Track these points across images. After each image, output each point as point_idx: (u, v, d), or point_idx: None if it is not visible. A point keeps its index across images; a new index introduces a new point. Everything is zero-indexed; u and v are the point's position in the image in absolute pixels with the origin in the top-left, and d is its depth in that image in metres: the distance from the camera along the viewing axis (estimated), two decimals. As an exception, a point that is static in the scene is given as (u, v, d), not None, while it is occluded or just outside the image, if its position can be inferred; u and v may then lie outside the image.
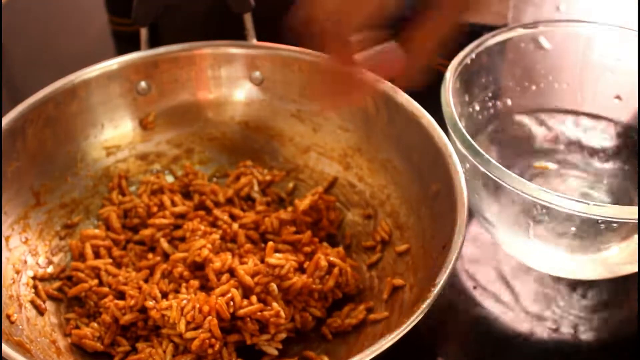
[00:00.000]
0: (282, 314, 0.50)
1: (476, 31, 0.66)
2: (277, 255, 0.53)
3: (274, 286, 0.51)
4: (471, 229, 0.61)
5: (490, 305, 0.57)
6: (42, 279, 0.54)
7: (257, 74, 0.62)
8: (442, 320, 0.56)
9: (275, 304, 0.50)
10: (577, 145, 0.65)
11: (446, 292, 0.56)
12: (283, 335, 0.51)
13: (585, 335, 0.55)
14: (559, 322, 0.55)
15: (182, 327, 0.48)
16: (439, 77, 0.58)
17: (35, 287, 0.53)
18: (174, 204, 0.59)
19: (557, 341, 0.54)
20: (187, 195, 0.60)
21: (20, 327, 0.49)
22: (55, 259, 0.56)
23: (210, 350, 0.48)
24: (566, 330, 0.55)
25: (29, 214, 0.55)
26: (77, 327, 0.51)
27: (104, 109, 0.61)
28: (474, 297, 0.57)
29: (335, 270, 0.53)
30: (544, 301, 0.57)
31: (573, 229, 0.53)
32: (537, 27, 0.65)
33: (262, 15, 0.64)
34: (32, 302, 0.52)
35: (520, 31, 0.64)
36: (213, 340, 0.48)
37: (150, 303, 0.50)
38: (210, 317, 0.48)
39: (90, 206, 0.59)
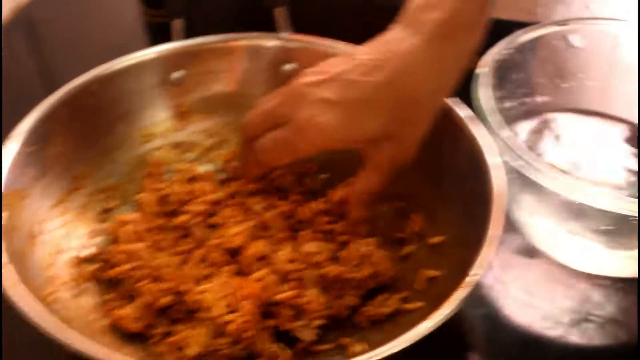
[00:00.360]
0: (319, 300, 0.50)
1: (506, 28, 0.66)
2: (312, 243, 0.53)
3: (309, 273, 0.51)
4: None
5: (513, 305, 0.56)
6: (80, 261, 0.55)
7: (291, 66, 0.63)
8: (465, 317, 0.56)
9: (311, 291, 0.50)
10: (605, 143, 0.65)
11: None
12: (318, 322, 0.51)
13: (608, 336, 0.55)
14: (584, 320, 0.55)
15: (218, 310, 0.49)
16: (470, 73, 0.58)
17: (73, 268, 0.53)
18: (209, 191, 0.59)
19: (577, 341, 0.54)
20: (221, 184, 0.61)
21: (58, 307, 0.50)
22: (93, 242, 0.56)
23: (245, 335, 0.49)
24: (588, 328, 0.55)
25: (68, 198, 0.56)
26: (115, 309, 0.52)
27: (140, 97, 0.62)
28: (498, 296, 0.57)
29: (369, 260, 0.53)
30: (566, 300, 0.56)
31: (609, 226, 0.53)
32: (568, 24, 0.65)
33: (296, 7, 0.64)
34: (70, 284, 0.52)
35: (552, 28, 0.64)
36: (249, 324, 0.49)
37: (186, 287, 0.51)
38: (246, 302, 0.49)
39: (127, 192, 0.60)
